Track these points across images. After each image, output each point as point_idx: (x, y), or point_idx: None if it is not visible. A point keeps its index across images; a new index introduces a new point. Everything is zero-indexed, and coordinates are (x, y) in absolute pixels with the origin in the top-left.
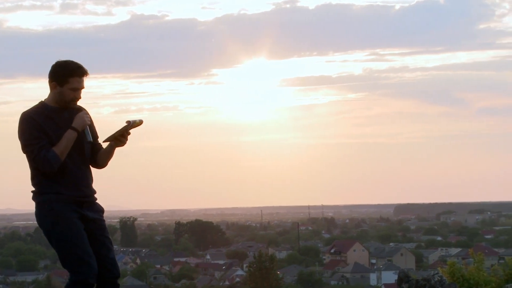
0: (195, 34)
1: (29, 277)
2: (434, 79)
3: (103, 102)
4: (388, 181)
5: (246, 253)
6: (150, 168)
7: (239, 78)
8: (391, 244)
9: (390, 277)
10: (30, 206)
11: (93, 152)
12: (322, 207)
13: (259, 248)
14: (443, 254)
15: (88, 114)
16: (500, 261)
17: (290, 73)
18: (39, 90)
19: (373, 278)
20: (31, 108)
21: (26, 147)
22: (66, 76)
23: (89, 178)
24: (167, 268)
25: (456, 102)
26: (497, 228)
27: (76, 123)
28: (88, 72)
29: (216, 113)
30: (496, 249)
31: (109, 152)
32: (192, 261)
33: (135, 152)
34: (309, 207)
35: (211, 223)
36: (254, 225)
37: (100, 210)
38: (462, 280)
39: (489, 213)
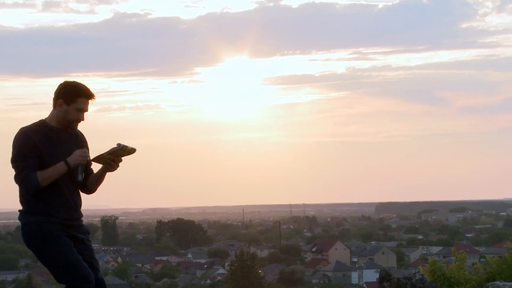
0: (178, 33)
1: (9, 276)
2: (416, 78)
3: None
4: (370, 180)
5: (227, 252)
6: (132, 166)
7: (221, 77)
8: (372, 242)
9: (372, 275)
10: (11, 205)
11: (84, 177)
12: (304, 205)
13: (240, 246)
14: (424, 252)
15: (87, 149)
16: (481, 260)
17: (272, 72)
18: (20, 89)
19: (354, 276)
20: (30, 125)
21: (13, 162)
22: (75, 95)
23: (78, 203)
24: (148, 267)
25: (438, 101)
26: (477, 226)
27: (71, 159)
28: (95, 96)
29: (198, 112)
30: (476, 248)
31: (99, 178)
32: (174, 260)
33: None
34: (290, 205)
35: (192, 221)
36: (235, 223)
37: (87, 231)
38: (443, 278)
39: (470, 211)
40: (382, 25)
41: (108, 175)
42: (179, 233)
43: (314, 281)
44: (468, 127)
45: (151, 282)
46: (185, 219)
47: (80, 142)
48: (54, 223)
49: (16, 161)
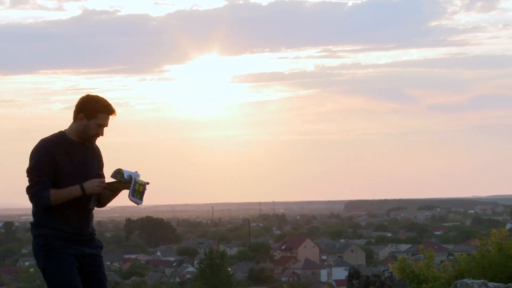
0: (147, 30)
1: None
2: (385, 76)
3: (53, 98)
4: (339, 178)
5: (196, 250)
6: None
7: (191, 74)
8: (341, 240)
9: (341, 273)
10: None
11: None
12: (273, 203)
13: (210, 244)
14: (393, 250)
15: (103, 183)
16: (450, 257)
17: (242, 70)
18: None
19: (323, 274)
20: (50, 137)
21: (29, 174)
22: (96, 110)
23: (89, 219)
24: (117, 265)
25: (407, 99)
26: (446, 224)
27: (88, 186)
28: (116, 112)
29: (167, 110)
30: (445, 245)
31: (113, 195)
32: (143, 258)
33: None
34: (260, 203)
35: (161, 219)
36: (205, 221)
37: (99, 246)
38: (412, 276)
39: (438, 209)
40: (351, 23)
41: None
42: (148, 231)
43: (283, 279)
44: (437, 125)
45: (120, 280)
46: (154, 217)
47: (96, 157)
48: (61, 238)
49: (31, 173)
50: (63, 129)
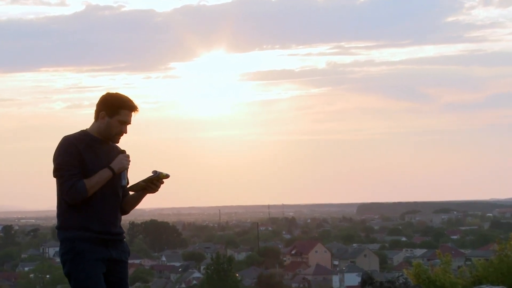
0: (152, 26)
1: None
2: (399, 74)
3: (55, 97)
4: (351, 179)
5: (203, 255)
6: None
7: (197, 72)
8: (354, 245)
9: (353, 279)
10: None
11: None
12: (283, 206)
13: (217, 249)
14: (408, 255)
15: (129, 157)
16: (467, 263)
17: (250, 67)
18: None
19: (335, 280)
20: (73, 134)
21: (58, 171)
22: (118, 107)
23: (117, 218)
24: None
25: (421, 98)
26: (463, 228)
27: (114, 164)
28: (139, 108)
29: (173, 108)
30: (462, 250)
31: (138, 199)
32: (147, 263)
33: None
34: (269, 206)
35: (166, 223)
36: (211, 225)
37: (126, 251)
38: (428, 282)
39: (455, 212)
40: (365, 18)
41: None
42: (153, 235)
43: (293, 285)
44: (452, 125)
45: None
46: (159, 220)
47: None
48: (89, 240)
49: (61, 169)
50: (84, 129)
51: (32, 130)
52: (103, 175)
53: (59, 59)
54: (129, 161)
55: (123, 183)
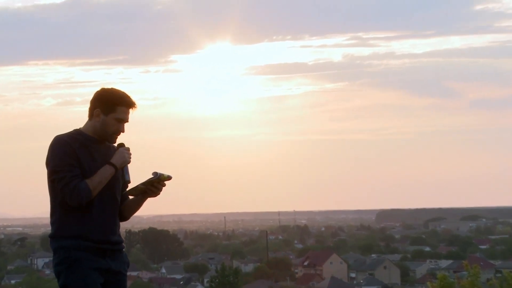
0: (152, 15)
1: None
2: (423, 67)
3: (44, 93)
4: (369, 184)
5: (207, 266)
6: None
7: (201, 65)
8: (372, 255)
9: None
10: None
11: (120, 201)
12: (294, 213)
13: (221, 260)
14: (432, 266)
15: (129, 150)
16: (497, 275)
17: (259, 60)
18: None
19: None
20: (65, 133)
21: (56, 174)
22: (114, 103)
23: (117, 225)
24: None
25: (447, 93)
26: (493, 237)
27: (115, 159)
28: (137, 105)
29: (174, 105)
30: (492, 261)
31: (138, 204)
32: (145, 275)
33: None
34: (279, 213)
35: (166, 231)
36: (216, 233)
37: (126, 262)
38: None
39: (484, 219)
40: (384, 6)
41: None
42: (151, 244)
43: None
44: (481, 123)
45: None
46: (158, 228)
47: None
48: (85, 249)
49: (60, 172)
50: (77, 128)
51: (18, 129)
52: (105, 172)
53: (49, 51)
54: (131, 154)
55: (127, 178)
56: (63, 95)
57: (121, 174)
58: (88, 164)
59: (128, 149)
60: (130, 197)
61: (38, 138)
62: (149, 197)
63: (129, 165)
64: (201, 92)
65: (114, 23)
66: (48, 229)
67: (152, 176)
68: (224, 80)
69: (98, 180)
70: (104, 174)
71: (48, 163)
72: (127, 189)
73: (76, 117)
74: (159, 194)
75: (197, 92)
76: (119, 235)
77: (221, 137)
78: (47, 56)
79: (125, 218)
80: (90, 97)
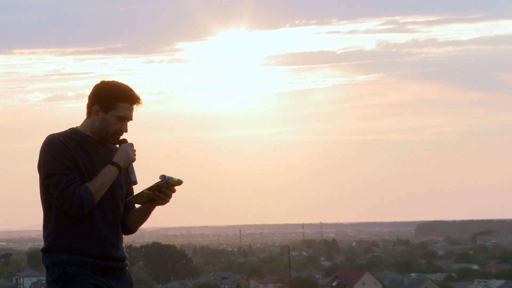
0: None
1: None
2: (470, 56)
3: (31, 86)
4: (408, 192)
5: (219, 287)
6: None
7: (212, 55)
8: (412, 274)
9: None
10: None
11: (124, 211)
12: (321, 225)
13: (236, 280)
14: (482, 287)
15: (133, 147)
16: None
17: (279, 48)
18: None
19: None
20: (59, 132)
21: (50, 178)
22: (115, 99)
23: (119, 238)
24: None
25: (498, 86)
26: None
27: (118, 157)
28: (141, 100)
29: (181, 101)
30: None
31: (145, 213)
32: None
33: None
34: (303, 225)
35: (173, 246)
36: (230, 249)
37: (129, 282)
38: None
39: None
40: None
41: None
42: (156, 261)
43: None
44: None
45: None
46: (164, 243)
47: None
48: (83, 266)
49: (56, 175)
50: (74, 126)
51: (2, 128)
52: (108, 173)
53: (36, 38)
54: (135, 151)
55: (133, 178)
56: (53, 89)
57: (125, 175)
58: (86, 167)
59: (131, 145)
60: (136, 205)
61: (24, 139)
62: (157, 205)
63: (134, 164)
64: (212, 85)
65: (112, 5)
66: (36, 243)
67: (160, 180)
68: (238, 72)
69: (101, 182)
70: (106, 175)
71: (41, 166)
72: (131, 196)
73: (69, 114)
74: (168, 201)
75: (208, 85)
76: (122, 250)
77: (235, 138)
78: (34, 44)
79: (131, 230)
80: (84, 91)
